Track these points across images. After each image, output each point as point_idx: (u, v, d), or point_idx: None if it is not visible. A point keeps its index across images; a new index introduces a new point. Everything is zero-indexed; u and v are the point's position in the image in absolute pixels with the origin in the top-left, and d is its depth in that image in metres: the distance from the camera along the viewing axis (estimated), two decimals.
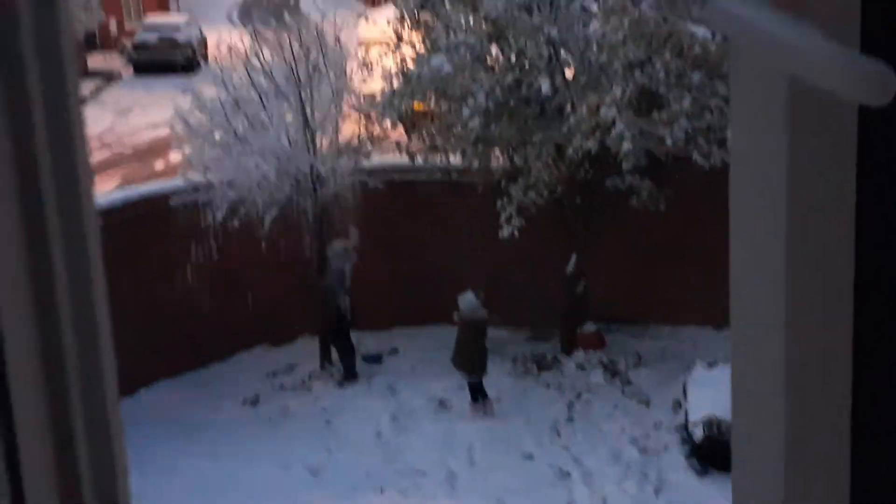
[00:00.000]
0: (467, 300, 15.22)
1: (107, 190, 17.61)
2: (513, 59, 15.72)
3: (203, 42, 35.02)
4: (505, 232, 15.52)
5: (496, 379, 15.75)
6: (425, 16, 16.42)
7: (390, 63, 16.68)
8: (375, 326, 17.44)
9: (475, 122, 15.28)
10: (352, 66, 17.17)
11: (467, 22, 15.93)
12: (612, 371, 16.33)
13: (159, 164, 21.39)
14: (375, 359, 17.17)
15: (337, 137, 16.87)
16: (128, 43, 36.77)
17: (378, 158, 17.48)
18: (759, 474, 1.31)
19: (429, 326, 17.48)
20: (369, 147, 17.12)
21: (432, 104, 16.43)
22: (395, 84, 16.27)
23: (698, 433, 13.42)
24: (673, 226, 16.16)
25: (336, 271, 16.39)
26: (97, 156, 22.53)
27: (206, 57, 31.36)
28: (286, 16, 17.78)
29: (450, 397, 15.74)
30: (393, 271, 17.45)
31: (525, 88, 15.58)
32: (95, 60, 34.87)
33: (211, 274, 16.61)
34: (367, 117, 16.98)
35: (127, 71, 34.40)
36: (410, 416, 15.44)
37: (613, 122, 14.35)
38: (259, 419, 15.68)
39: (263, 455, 14.39)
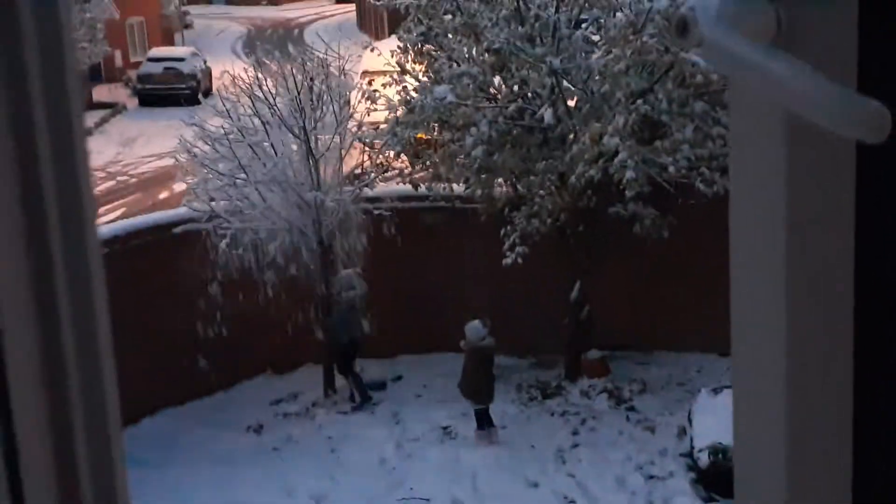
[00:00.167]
0: (474, 328, 15.21)
1: (111, 219, 17.66)
2: (515, 89, 15.78)
3: (207, 73, 35.20)
4: (509, 259, 15.53)
5: (501, 406, 15.70)
6: (429, 47, 16.51)
7: (394, 93, 16.74)
8: (380, 354, 17.41)
9: (478, 151, 15.30)
10: (356, 97, 17.25)
11: (470, 53, 16.02)
12: (616, 398, 16.28)
13: (164, 194, 21.45)
14: (380, 386, 17.15)
15: (341, 167, 16.92)
16: (133, 75, 36.95)
17: (382, 187, 17.53)
18: (761, 478, 1.32)
19: (433, 354, 17.45)
20: (373, 176, 17.17)
21: (436, 133, 16.48)
22: (399, 113, 16.32)
23: (703, 460, 13.37)
24: (676, 253, 16.16)
25: (344, 300, 16.40)
26: (101, 186, 22.59)
27: (210, 88, 31.50)
28: (290, 47, 17.89)
29: (454, 425, 15.69)
30: (397, 299, 17.43)
31: (528, 118, 15.63)
32: (101, 92, 35.04)
33: (214, 302, 16.60)
34: (371, 147, 17.04)
35: (132, 103, 34.54)
36: (415, 444, 15.38)
37: (616, 151, 14.38)
38: (263, 447, 15.63)
39: (267, 483, 14.34)
